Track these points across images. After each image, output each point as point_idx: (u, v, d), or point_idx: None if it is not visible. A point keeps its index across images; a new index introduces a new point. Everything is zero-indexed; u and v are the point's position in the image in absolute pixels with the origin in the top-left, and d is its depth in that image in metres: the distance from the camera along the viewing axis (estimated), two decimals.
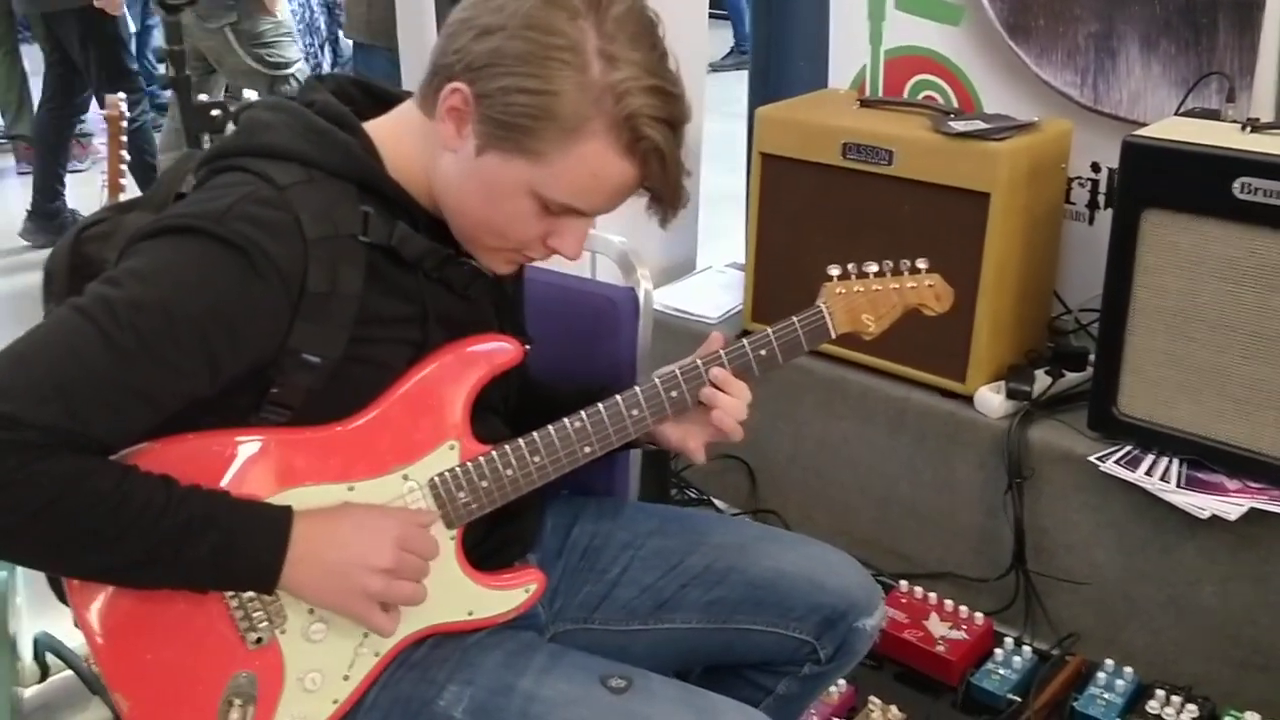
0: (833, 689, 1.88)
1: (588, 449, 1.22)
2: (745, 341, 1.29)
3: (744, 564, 1.37)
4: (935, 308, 1.37)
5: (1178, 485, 1.83)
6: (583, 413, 1.22)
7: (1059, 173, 2.13)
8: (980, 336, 2.06)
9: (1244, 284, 1.75)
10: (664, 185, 1.12)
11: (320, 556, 1.07)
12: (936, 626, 1.99)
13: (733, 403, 1.25)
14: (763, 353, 1.28)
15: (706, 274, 2.79)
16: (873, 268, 1.32)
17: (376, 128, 1.16)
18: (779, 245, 2.30)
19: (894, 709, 1.85)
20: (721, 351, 1.27)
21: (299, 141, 1.10)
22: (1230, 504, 1.78)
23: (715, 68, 6.15)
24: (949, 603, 2.03)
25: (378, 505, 1.14)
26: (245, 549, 1.05)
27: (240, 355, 1.06)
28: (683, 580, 1.37)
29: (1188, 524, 1.82)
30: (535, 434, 1.20)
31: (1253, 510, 1.76)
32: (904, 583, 2.10)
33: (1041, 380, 2.08)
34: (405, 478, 1.16)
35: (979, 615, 2.01)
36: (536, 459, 1.20)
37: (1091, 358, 2.03)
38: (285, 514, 1.07)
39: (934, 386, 2.15)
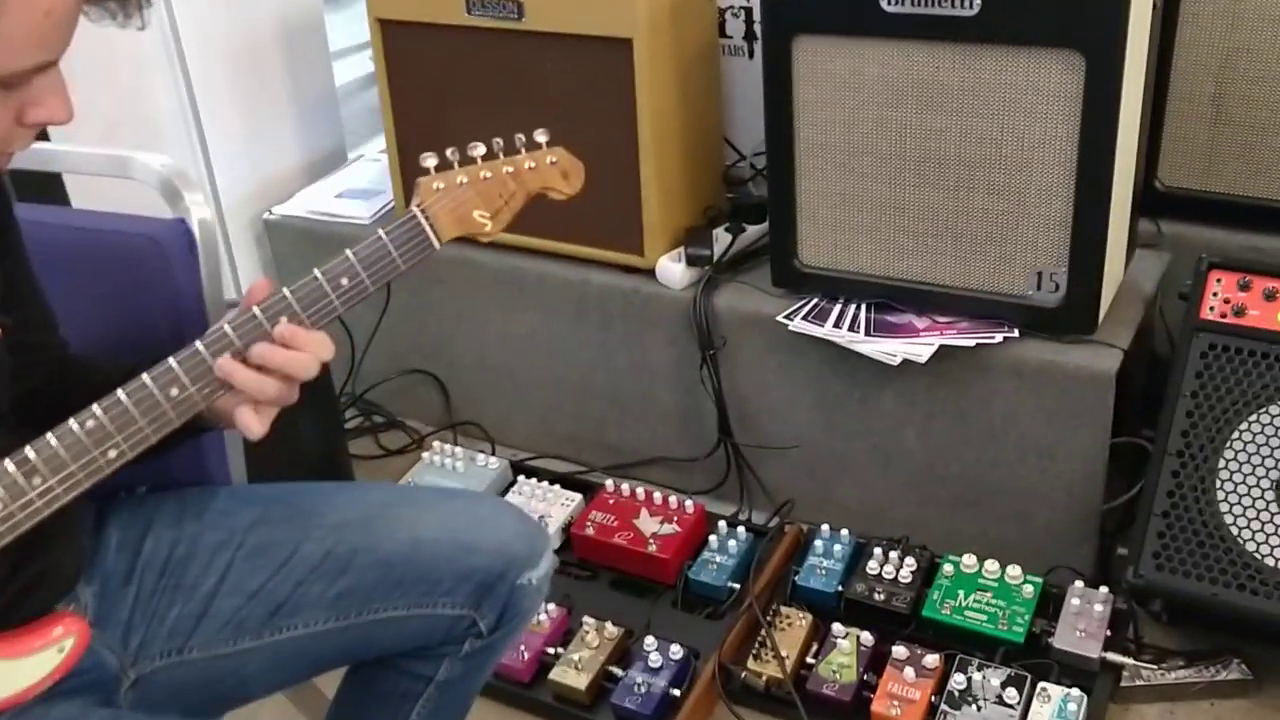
0: (543, 616, 1.69)
1: (113, 453, 0.92)
2: (317, 272, 1.01)
3: (372, 541, 1.12)
4: (564, 189, 1.13)
5: (867, 334, 1.71)
6: (95, 407, 0.91)
7: (708, 5, 1.91)
8: (650, 202, 1.86)
9: (904, 106, 1.60)
10: None
11: None
12: (647, 524, 1.83)
13: (299, 359, 0.97)
14: (344, 282, 1.00)
15: (357, 165, 2.45)
16: (479, 150, 1.06)
17: None
18: (419, 124, 2.01)
19: (609, 625, 1.68)
20: (287, 291, 0.99)
21: None
22: (920, 344, 1.67)
23: None
24: (658, 495, 1.87)
25: None
26: None
27: None
28: (299, 576, 1.11)
29: (883, 371, 1.70)
30: (29, 448, 0.89)
31: (942, 347, 1.66)
32: (610, 481, 1.92)
33: (723, 240, 1.90)
34: None
35: (689, 503, 1.86)
36: (37, 481, 0.89)
37: None
38: None
39: (614, 264, 1.94)
